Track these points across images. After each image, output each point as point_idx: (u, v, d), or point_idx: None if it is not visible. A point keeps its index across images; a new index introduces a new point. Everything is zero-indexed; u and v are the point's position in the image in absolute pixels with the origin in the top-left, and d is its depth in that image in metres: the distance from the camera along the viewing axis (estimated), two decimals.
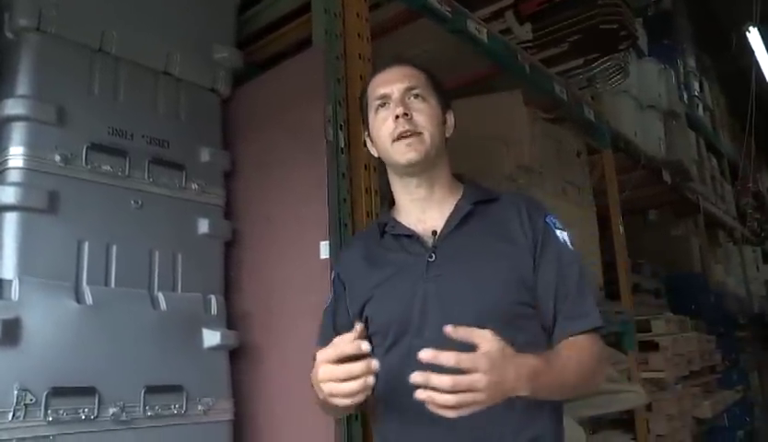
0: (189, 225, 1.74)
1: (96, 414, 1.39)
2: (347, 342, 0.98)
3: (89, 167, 1.54)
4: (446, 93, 1.29)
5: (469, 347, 0.92)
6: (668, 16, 4.95)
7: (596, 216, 2.94)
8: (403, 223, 1.24)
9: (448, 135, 1.27)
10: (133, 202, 1.62)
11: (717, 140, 5.79)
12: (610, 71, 2.93)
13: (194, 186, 1.75)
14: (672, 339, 3.48)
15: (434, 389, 0.89)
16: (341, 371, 0.96)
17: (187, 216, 1.73)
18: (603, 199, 3.16)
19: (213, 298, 1.71)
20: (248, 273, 1.84)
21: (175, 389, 1.55)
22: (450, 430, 1.03)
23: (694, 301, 4.48)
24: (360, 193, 1.62)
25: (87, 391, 1.39)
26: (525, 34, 2.48)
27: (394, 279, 1.18)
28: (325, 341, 1.27)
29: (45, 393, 1.32)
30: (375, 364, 0.94)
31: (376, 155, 1.30)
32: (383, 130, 1.22)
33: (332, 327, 1.27)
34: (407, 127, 1.18)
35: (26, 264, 1.40)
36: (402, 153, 1.19)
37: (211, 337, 1.65)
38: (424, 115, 1.20)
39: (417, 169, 1.22)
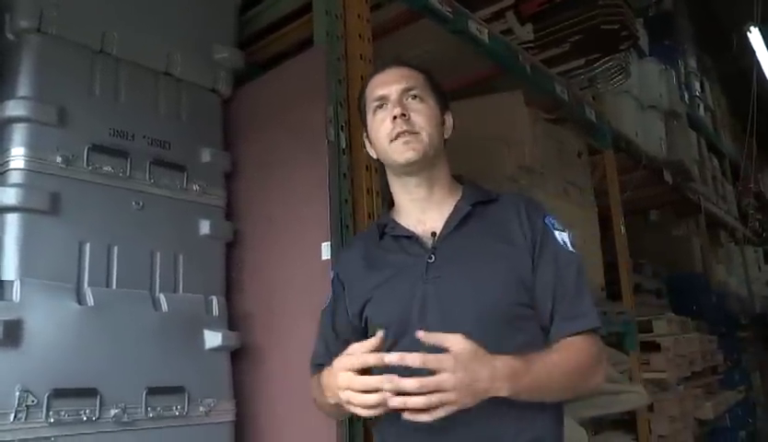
0: (190, 226, 1.74)
1: (97, 416, 1.39)
2: (367, 349, 0.99)
3: (90, 168, 1.54)
4: (444, 94, 1.29)
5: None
6: (669, 16, 4.94)
7: (597, 217, 2.93)
8: (403, 224, 1.24)
9: (446, 136, 1.27)
10: (134, 203, 1.62)
11: (719, 140, 5.78)
12: (612, 71, 2.93)
13: (195, 187, 1.75)
14: (674, 339, 3.47)
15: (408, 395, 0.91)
16: (357, 382, 0.97)
17: (188, 217, 1.73)
18: (604, 199, 3.16)
19: (214, 299, 1.71)
20: (249, 273, 1.84)
21: (176, 390, 1.55)
22: (450, 431, 1.03)
23: (696, 301, 4.47)
24: (361, 194, 1.62)
25: (89, 393, 1.39)
26: (526, 35, 2.48)
27: (393, 280, 1.18)
28: (324, 341, 1.28)
29: (47, 394, 1.32)
30: (394, 380, 0.94)
31: (375, 156, 1.30)
32: (381, 131, 1.22)
33: (331, 327, 1.27)
34: (405, 127, 1.18)
35: (27, 266, 1.40)
36: (401, 152, 1.19)
37: (212, 338, 1.65)
38: (421, 115, 1.20)
39: (415, 169, 1.21)
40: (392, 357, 0.94)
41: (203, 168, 1.79)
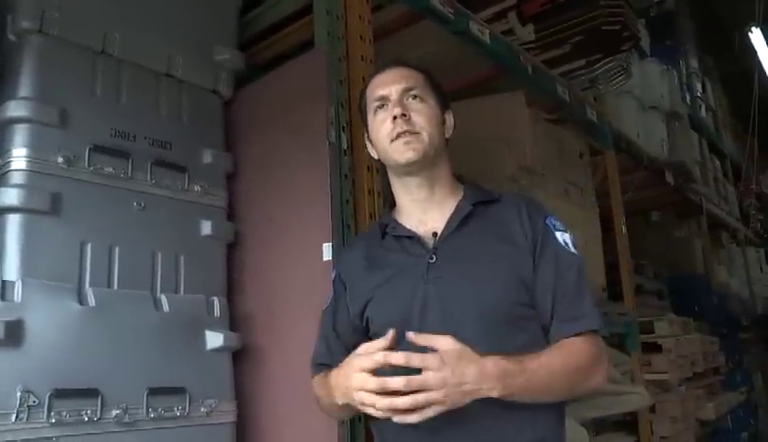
0: (191, 226, 1.74)
1: (98, 416, 1.39)
2: (377, 348, 1.00)
3: (92, 168, 1.54)
4: (444, 93, 1.29)
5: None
6: (670, 17, 4.94)
7: (598, 218, 2.93)
8: (404, 224, 1.24)
9: (447, 136, 1.27)
10: (135, 203, 1.62)
11: (720, 141, 5.78)
12: (613, 72, 2.93)
13: (197, 188, 1.75)
14: (675, 340, 3.47)
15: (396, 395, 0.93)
16: (372, 383, 0.98)
17: (189, 218, 1.74)
18: (606, 200, 3.16)
19: (215, 300, 1.71)
20: (250, 274, 1.84)
21: (178, 390, 1.55)
22: (450, 430, 1.03)
23: (697, 302, 4.46)
24: (363, 195, 1.62)
25: (90, 393, 1.39)
26: (527, 35, 2.48)
27: (395, 280, 1.19)
28: (325, 340, 1.28)
29: (48, 395, 1.32)
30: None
31: (376, 157, 1.30)
32: (382, 131, 1.22)
33: (332, 326, 1.27)
34: (405, 128, 1.18)
35: (29, 266, 1.40)
36: (401, 152, 1.19)
37: (214, 339, 1.65)
38: (422, 115, 1.20)
39: (416, 168, 1.21)
40: (398, 357, 0.95)
41: (204, 169, 1.79)
